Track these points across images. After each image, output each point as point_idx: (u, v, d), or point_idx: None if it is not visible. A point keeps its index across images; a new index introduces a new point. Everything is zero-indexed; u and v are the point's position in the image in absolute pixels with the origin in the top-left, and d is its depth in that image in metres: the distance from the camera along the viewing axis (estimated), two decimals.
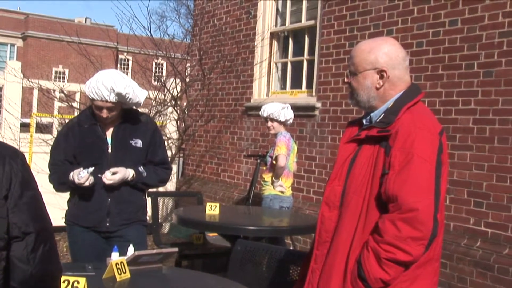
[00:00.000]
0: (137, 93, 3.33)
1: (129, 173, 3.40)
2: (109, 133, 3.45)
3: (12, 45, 40.20)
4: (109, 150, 3.42)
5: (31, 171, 1.32)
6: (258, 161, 6.21)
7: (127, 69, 35.51)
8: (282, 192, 5.51)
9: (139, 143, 3.47)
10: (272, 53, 8.10)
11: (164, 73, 10.48)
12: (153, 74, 9.52)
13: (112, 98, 3.24)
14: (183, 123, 8.28)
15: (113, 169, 3.34)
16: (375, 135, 2.17)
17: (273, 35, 8.12)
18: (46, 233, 1.32)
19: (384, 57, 2.21)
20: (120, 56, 40.18)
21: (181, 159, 9.62)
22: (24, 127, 8.73)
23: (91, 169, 3.26)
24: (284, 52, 8.09)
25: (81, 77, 9.10)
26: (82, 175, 3.24)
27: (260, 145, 7.80)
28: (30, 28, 39.59)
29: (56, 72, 39.10)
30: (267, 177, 5.59)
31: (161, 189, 6.49)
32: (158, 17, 23.46)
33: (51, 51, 39.33)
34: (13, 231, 1.23)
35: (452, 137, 5.28)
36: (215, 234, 5.63)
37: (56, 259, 1.37)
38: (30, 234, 1.26)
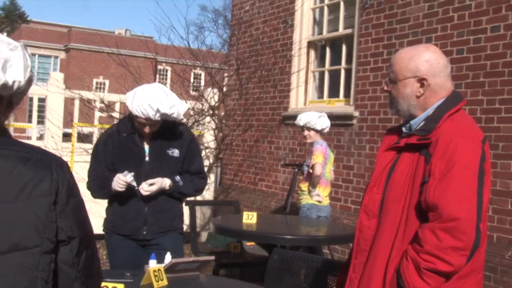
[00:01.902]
0: (180, 111, 3.35)
1: (165, 183, 3.42)
2: (146, 142, 3.48)
3: (56, 57, 41.25)
4: (147, 159, 3.45)
5: (75, 179, 1.38)
6: (295, 170, 6.18)
7: (166, 79, 35.98)
8: (319, 202, 5.46)
9: (176, 152, 3.49)
10: (309, 62, 8.08)
11: (202, 83, 10.55)
12: (191, 84, 9.60)
13: (157, 117, 3.28)
14: (220, 133, 8.32)
15: (150, 181, 3.36)
16: (415, 143, 2.13)
17: (310, 44, 8.10)
18: (88, 238, 1.37)
19: (425, 65, 2.18)
20: (159, 67, 40.72)
21: (219, 168, 9.66)
22: (66, 136, 8.93)
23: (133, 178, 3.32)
24: (321, 61, 8.06)
25: (120, 87, 9.26)
26: (126, 173, 3.30)
27: (297, 155, 7.77)
28: (72, 40, 40.55)
29: (96, 83, 39.90)
30: (304, 186, 5.55)
31: (198, 198, 6.52)
32: (196, 28, 23.70)
33: (92, 62, 40.16)
34: (60, 235, 1.30)
35: (494, 145, 5.15)
36: (253, 243, 5.62)
37: (97, 265, 1.42)
38: (75, 239, 1.33)
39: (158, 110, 3.24)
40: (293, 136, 7.93)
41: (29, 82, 1.41)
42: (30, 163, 1.29)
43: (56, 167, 1.33)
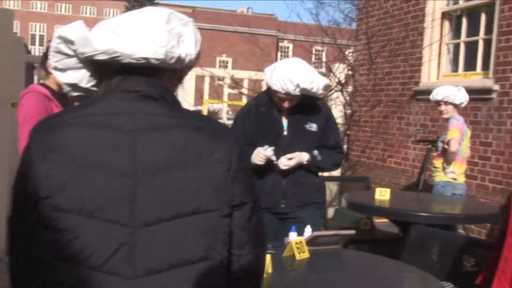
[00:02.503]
0: (319, 86, 3.34)
1: (304, 157, 3.43)
2: (285, 117, 3.51)
3: None
4: (285, 133, 3.49)
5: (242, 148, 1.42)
6: (429, 146, 5.99)
7: (287, 56, 36.15)
8: (454, 179, 5.26)
9: (314, 127, 3.49)
10: (443, 34, 7.72)
11: (323, 59, 10.47)
12: (318, 60, 9.57)
13: (297, 92, 3.27)
14: (349, 109, 8.24)
15: (288, 155, 3.39)
16: None
17: (444, 15, 7.72)
18: (257, 205, 1.41)
19: None
20: (280, 44, 40.99)
21: (347, 145, 9.59)
22: None
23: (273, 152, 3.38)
24: (456, 32, 7.67)
25: (246, 64, 9.46)
26: (266, 147, 3.36)
27: (429, 131, 7.50)
28: (197, 20, 41.84)
29: (220, 61, 41.01)
30: (438, 163, 5.37)
31: (326, 174, 6.52)
32: (318, 3, 23.50)
33: (216, 41, 41.28)
34: (234, 201, 1.35)
35: None
36: (384, 220, 5.53)
37: (264, 231, 1.46)
38: (247, 204, 1.37)
39: (298, 85, 3.24)
40: (424, 112, 7.66)
41: (198, 56, 1.47)
42: (206, 132, 1.35)
43: (228, 135, 1.39)
